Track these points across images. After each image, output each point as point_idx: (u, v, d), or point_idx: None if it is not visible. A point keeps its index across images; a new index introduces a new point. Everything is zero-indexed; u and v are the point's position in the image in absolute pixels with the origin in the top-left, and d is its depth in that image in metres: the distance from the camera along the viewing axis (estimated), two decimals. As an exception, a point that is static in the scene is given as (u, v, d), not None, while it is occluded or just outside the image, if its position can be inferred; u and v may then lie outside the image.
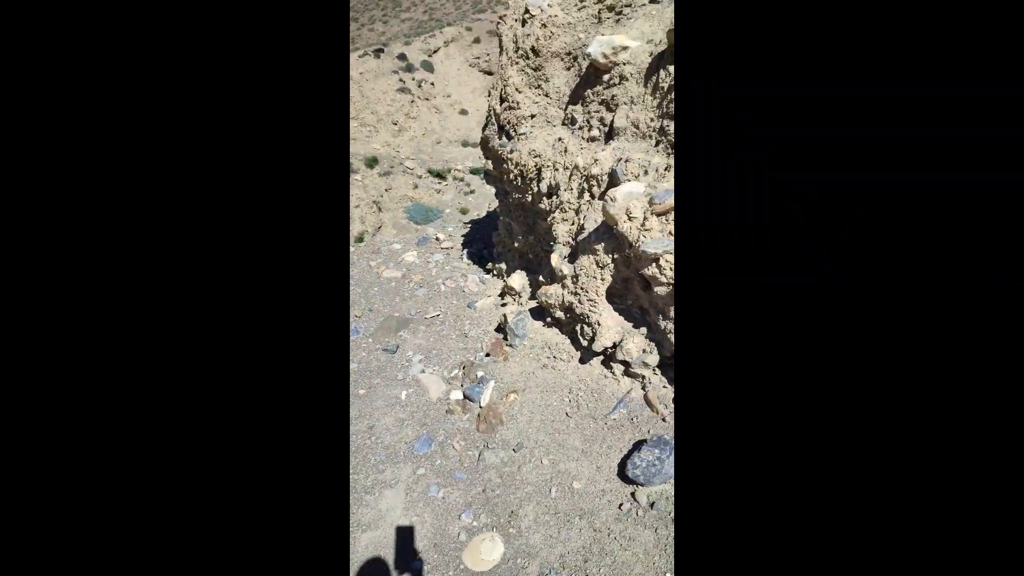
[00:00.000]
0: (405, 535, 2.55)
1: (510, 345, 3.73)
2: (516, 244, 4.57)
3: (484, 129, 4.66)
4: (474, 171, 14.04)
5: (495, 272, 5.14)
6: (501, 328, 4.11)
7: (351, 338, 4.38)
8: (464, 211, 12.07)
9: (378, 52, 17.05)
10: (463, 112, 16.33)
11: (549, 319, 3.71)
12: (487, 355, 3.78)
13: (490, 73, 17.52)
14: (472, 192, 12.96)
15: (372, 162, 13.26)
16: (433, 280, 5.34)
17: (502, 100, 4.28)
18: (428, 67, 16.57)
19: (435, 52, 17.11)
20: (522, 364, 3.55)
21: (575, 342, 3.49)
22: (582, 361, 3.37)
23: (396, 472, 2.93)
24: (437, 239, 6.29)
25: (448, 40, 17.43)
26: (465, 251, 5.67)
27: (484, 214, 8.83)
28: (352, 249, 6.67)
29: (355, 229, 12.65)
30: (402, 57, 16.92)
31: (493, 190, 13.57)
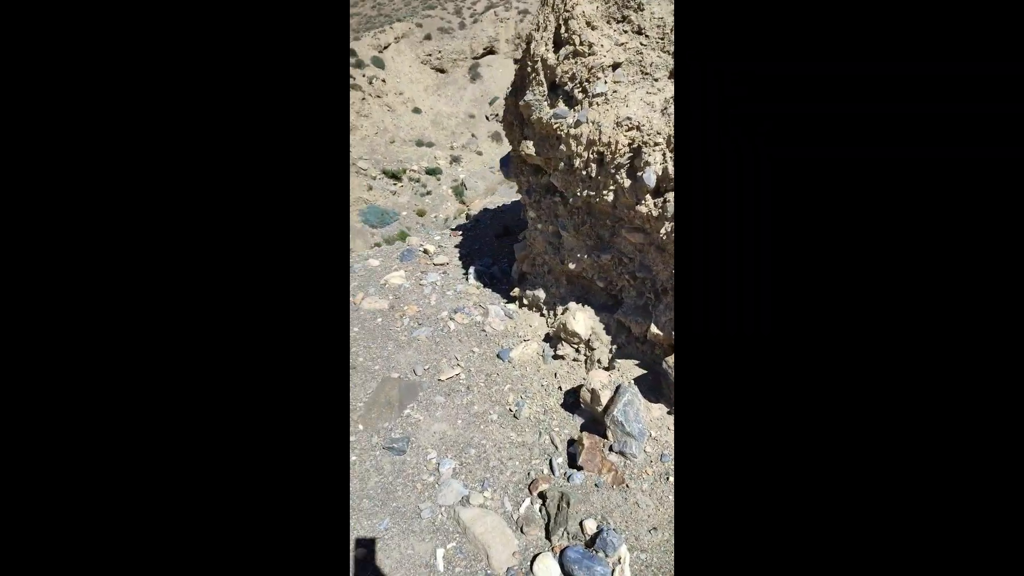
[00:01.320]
0: None
1: (619, 452, 1.99)
2: (571, 265, 2.82)
3: (518, 94, 2.84)
4: (430, 171, 12.29)
5: (525, 302, 3.36)
6: (578, 404, 2.35)
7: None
8: (421, 213, 10.31)
9: (322, 45, 14.47)
10: (416, 111, 14.18)
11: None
12: (576, 467, 2.02)
13: (443, 71, 15.41)
14: (428, 193, 11.12)
15: (322, 161, 10.87)
16: (435, 313, 3.44)
17: (557, 44, 2.50)
18: (379, 63, 14.22)
19: (385, 48, 14.77)
20: (659, 496, 1.82)
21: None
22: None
23: None
24: (426, 252, 4.37)
25: (399, 36, 15.12)
26: (472, 270, 3.83)
27: (463, 218, 6.92)
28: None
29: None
30: (351, 52, 14.45)
31: (450, 191, 11.78)
